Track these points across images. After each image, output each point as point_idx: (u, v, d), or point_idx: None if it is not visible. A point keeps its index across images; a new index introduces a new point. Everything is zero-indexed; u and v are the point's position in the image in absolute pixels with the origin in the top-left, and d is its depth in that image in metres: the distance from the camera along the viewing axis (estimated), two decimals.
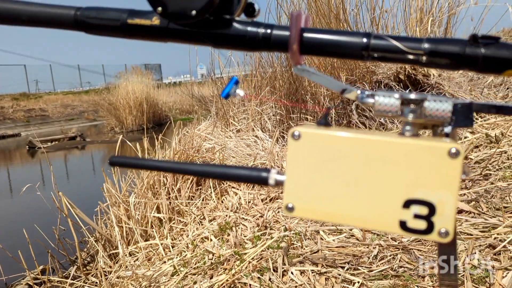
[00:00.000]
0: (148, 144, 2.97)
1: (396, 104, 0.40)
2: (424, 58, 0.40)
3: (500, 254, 1.40)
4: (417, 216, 0.37)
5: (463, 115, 0.40)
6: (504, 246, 1.43)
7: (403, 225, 0.37)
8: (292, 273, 1.54)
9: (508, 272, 1.29)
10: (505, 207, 1.69)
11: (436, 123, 0.41)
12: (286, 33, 0.42)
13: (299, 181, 0.40)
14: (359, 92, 0.42)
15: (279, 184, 0.42)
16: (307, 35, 0.42)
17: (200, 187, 2.79)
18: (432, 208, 0.36)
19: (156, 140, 3.12)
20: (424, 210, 0.36)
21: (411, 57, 0.40)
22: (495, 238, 1.49)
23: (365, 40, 0.41)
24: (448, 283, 0.49)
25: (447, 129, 0.40)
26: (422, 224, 0.37)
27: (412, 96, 0.40)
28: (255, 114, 4.01)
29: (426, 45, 0.40)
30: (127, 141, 2.88)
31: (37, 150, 9.97)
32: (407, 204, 0.37)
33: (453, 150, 0.35)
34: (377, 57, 0.41)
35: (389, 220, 0.37)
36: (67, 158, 9.55)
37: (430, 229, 0.36)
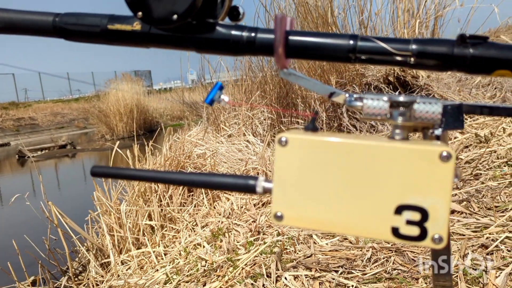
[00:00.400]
0: (138, 151, 2.94)
1: (385, 107, 0.39)
2: (412, 59, 0.39)
3: (492, 253, 1.40)
4: (409, 222, 0.35)
5: (454, 116, 0.39)
6: (497, 246, 1.43)
7: (395, 231, 0.36)
8: (285, 278, 1.53)
9: (501, 272, 1.29)
10: (496, 207, 1.69)
11: (426, 125, 0.40)
12: (271, 36, 0.41)
13: (288, 189, 0.38)
14: (347, 95, 0.41)
15: (267, 191, 0.40)
16: (292, 38, 0.41)
17: (192, 194, 2.77)
18: (424, 214, 0.35)
19: (146, 146, 3.09)
20: (416, 216, 0.35)
21: (399, 58, 0.39)
22: (487, 238, 1.49)
23: (351, 42, 0.40)
24: (443, 285, 0.48)
25: (438, 132, 0.39)
26: (415, 231, 0.35)
27: (401, 98, 0.39)
28: (246, 118, 4.00)
29: (413, 46, 0.39)
30: (117, 149, 2.85)
31: (27, 159, 9.86)
32: (399, 210, 0.35)
33: (445, 154, 0.34)
34: (364, 59, 0.40)
35: (381, 227, 0.36)
36: (58, 166, 9.45)
37: (423, 235, 0.35)
